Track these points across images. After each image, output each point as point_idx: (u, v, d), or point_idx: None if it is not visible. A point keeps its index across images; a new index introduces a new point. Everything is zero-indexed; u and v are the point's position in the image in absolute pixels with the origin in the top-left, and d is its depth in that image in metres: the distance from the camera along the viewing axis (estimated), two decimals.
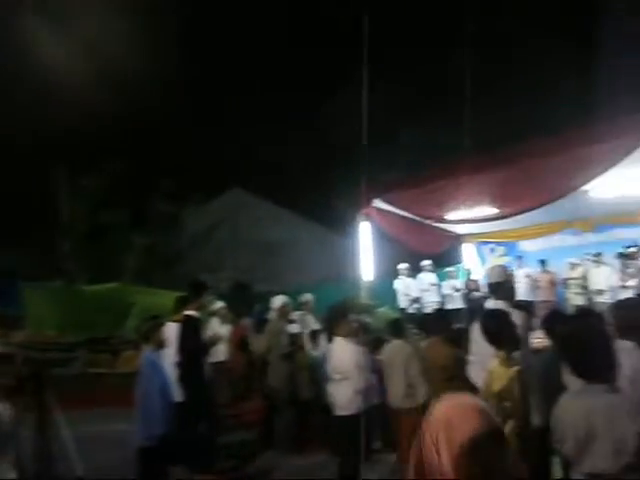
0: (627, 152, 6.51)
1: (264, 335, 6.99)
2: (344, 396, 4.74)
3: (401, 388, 5.69)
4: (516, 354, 3.45)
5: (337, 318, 4.95)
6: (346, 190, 12.16)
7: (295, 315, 7.90)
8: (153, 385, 4.68)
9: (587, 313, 4.37)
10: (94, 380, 10.11)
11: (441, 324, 5.15)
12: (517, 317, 3.77)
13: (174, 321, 5.88)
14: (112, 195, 17.19)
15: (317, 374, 6.20)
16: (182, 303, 5.95)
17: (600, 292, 10.14)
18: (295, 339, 6.74)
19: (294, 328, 6.93)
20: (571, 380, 2.75)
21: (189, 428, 5.18)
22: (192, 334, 5.60)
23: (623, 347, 2.90)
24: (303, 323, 7.69)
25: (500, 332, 3.29)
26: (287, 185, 17.39)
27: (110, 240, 17.55)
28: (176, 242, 18.43)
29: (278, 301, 7.07)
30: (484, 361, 3.73)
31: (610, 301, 9.57)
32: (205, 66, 17.73)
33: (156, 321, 5.11)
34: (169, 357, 5.69)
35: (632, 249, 9.63)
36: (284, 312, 7.01)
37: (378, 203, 9.23)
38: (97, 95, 15.53)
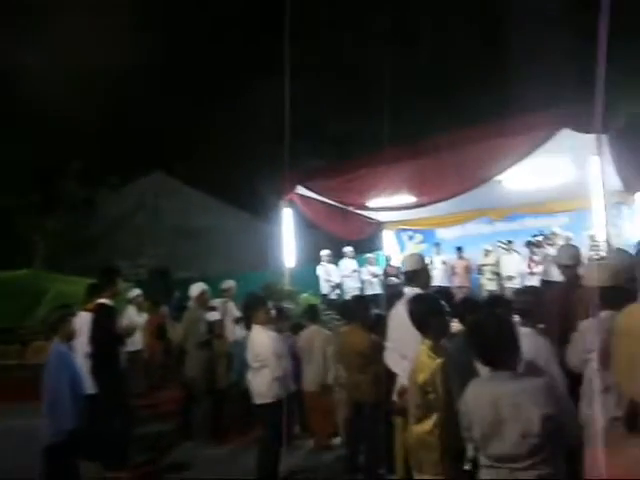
0: (538, 145, 6.84)
1: (181, 323, 6.82)
2: (263, 384, 4.70)
3: (317, 373, 5.79)
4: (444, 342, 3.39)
5: (254, 306, 4.88)
6: (270, 177, 12.09)
7: (216, 302, 7.78)
8: (62, 378, 4.43)
9: (495, 301, 4.52)
10: (2, 372, 9.52)
11: (359, 310, 5.19)
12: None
13: (86, 310, 5.62)
14: (17, 178, 16.12)
15: (237, 362, 6.13)
16: (94, 291, 5.66)
17: (510, 278, 10.69)
18: (213, 327, 6.61)
19: (212, 316, 6.80)
20: (480, 367, 2.86)
21: (101, 422, 4.97)
22: (105, 323, 5.35)
23: (524, 333, 3.05)
24: (225, 311, 7.56)
25: (428, 318, 3.18)
26: (210, 170, 17.02)
27: (18, 224, 16.51)
28: (91, 227, 17.61)
29: (196, 288, 6.89)
30: (403, 347, 3.77)
31: (519, 287, 10.16)
32: (127, 50, 16.92)
33: (64, 311, 4.84)
34: (81, 348, 5.45)
35: (539, 237, 10.18)
36: (202, 299, 6.86)
37: (301, 190, 9.25)
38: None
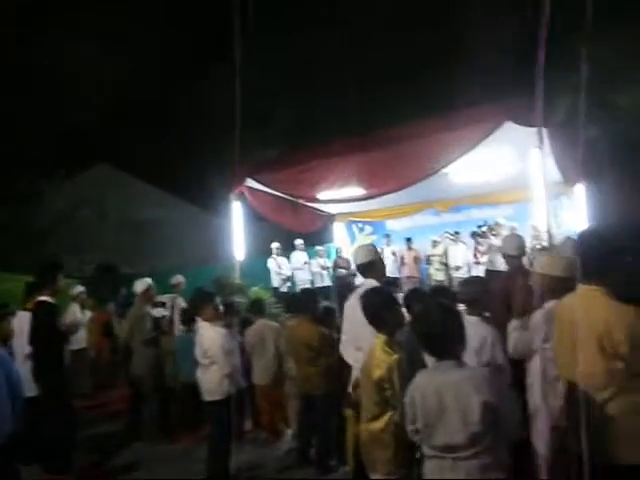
0: (482, 137, 6.97)
1: (126, 320, 6.65)
2: (212, 381, 4.65)
3: (267, 367, 5.77)
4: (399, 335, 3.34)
5: (202, 302, 4.80)
6: (219, 170, 11.92)
7: (165, 298, 7.63)
8: None
9: (440, 291, 4.59)
10: None
11: (307, 303, 5.18)
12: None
13: (25, 309, 5.41)
14: None
15: (186, 359, 6.02)
16: (34, 288, 5.45)
17: (458, 268, 10.96)
18: (160, 324, 6.47)
19: (158, 312, 6.65)
20: (427, 357, 2.89)
21: (43, 424, 4.81)
22: (46, 322, 5.15)
23: (469, 321, 3.11)
24: (174, 306, 7.44)
25: (381, 312, 3.11)
26: (159, 163, 16.63)
27: None
28: (38, 220, 16.91)
29: (141, 284, 6.72)
30: (357, 339, 3.76)
31: (464, 277, 10.43)
32: (72, 36, 16.27)
33: (1, 311, 4.64)
34: (22, 348, 5.25)
35: (484, 228, 10.45)
36: (148, 295, 6.69)
37: (250, 183, 9.15)
38: None
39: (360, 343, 3.67)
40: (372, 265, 4.05)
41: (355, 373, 3.79)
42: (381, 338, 3.04)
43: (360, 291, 3.91)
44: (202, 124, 15.03)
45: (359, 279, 4.40)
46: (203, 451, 4.88)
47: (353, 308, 3.76)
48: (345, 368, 4.15)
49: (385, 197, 9.16)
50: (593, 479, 2.18)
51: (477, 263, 10.45)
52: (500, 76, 10.15)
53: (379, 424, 2.92)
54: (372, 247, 4.23)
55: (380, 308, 3.13)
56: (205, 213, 16.53)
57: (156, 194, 17.68)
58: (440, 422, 2.34)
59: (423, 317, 2.58)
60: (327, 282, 11.81)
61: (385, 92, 13.27)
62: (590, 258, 2.55)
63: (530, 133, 6.40)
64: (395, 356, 2.92)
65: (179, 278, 8.01)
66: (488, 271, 9.29)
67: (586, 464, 2.17)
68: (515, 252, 4.31)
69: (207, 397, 4.73)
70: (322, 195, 9.19)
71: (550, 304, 3.18)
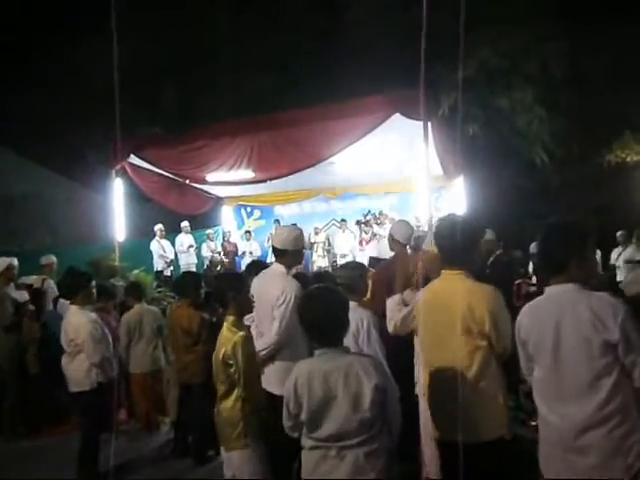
0: (371, 127, 7.13)
1: None
2: (79, 370, 4.32)
3: (142, 354, 5.50)
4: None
5: (73, 284, 4.43)
6: (101, 144, 11.17)
7: (32, 279, 7.02)
8: None
9: (320, 277, 4.56)
10: None
11: (189, 286, 4.97)
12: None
13: None
14: None
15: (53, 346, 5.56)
16: None
17: (344, 256, 11.17)
18: (21, 308, 5.88)
19: (21, 295, 6.06)
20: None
21: None
22: None
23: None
24: (43, 289, 6.84)
25: (228, 295, 3.09)
26: (34, 136, 15.25)
27: None
28: None
29: (0, 264, 6.08)
30: (260, 325, 3.63)
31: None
32: None
33: None
34: None
35: (368, 217, 10.74)
36: (8, 275, 6.11)
37: (134, 160, 8.67)
38: None
39: (262, 328, 3.59)
40: (287, 253, 3.67)
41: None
42: (229, 319, 3.06)
43: (266, 274, 3.80)
44: (82, 94, 13.97)
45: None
46: (69, 445, 4.55)
47: (256, 291, 3.60)
48: None
49: (275, 182, 9.12)
50: (461, 459, 2.25)
51: (362, 251, 10.74)
52: (391, 67, 10.40)
53: (228, 402, 2.94)
54: (294, 234, 3.72)
55: (226, 291, 3.13)
56: (83, 189, 15.44)
57: (28, 166, 16.21)
58: (328, 411, 2.27)
59: (308, 302, 2.46)
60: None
61: (278, 76, 13.14)
62: (451, 245, 2.65)
63: (417, 126, 6.65)
64: (240, 334, 2.94)
65: (50, 258, 7.37)
66: (372, 258, 9.55)
67: (457, 446, 2.24)
68: (402, 239, 4.33)
69: (73, 388, 4.40)
70: (210, 177, 8.93)
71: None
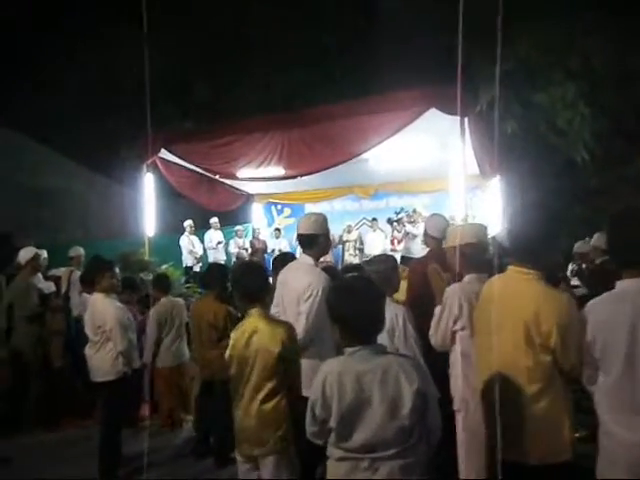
0: (406, 123, 6.92)
1: (7, 292, 5.89)
2: (105, 359, 4.21)
3: (168, 347, 5.39)
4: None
5: (97, 270, 4.33)
6: (132, 139, 11.19)
7: (60, 271, 7.02)
8: None
9: (350, 269, 4.35)
10: None
11: (216, 279, 4.81)
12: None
13: None
14: None
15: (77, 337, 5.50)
16: None
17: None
18: (47, 299, 5.82)
19: (48, 287, 5.99)
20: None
21: None
22: None
23: None
24: (70, 281, 6.83)
25: (260, 287, 2.93)
26: (64, 127, 15.40)
27: None
28: None
29: (26, 253, 5.96)
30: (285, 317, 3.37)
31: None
32: None
33: None
34: None
35: (401, 215, 10.48)
36: (34, 266, 6.01)
37: (165, 155, 8.63)
38: None
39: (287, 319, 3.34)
40: (314, 239, 3.47)
41: None
42: (256, 311, 2.86)
43: (292, 266, 3.61)
44: (113, 89, 14.04)
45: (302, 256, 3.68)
46: (92, 438, 4.46)
47: (283, 284, 3.47)
48: None
49: (306, 180, 8.99)
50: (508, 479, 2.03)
51: (394, 250, 10.50)
52: (426, 62, 10.15)
53: (271, 403, 2.73)
54: (320, 218, 3.55)
55: (262, 284, 2.98)
56: (114, 184, 15.56)
57: (59, 160, 16.40)
58: (360, 417, 1.99)
59: (342, 295, 2.14)
60: None
61: (309, 71, 12.97)
62: (525, 239, 2.34)
63: (452, 123, 6.42)
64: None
65: (78, 250, 7.36)
66: (404, 257, 9.32)
67: (500, 462, 1.99)
68: (437, 234, 4.08)
69: (98, 378, 4.30)
70: (240, 173, 8.84)
71: (468, 278, 3.01)
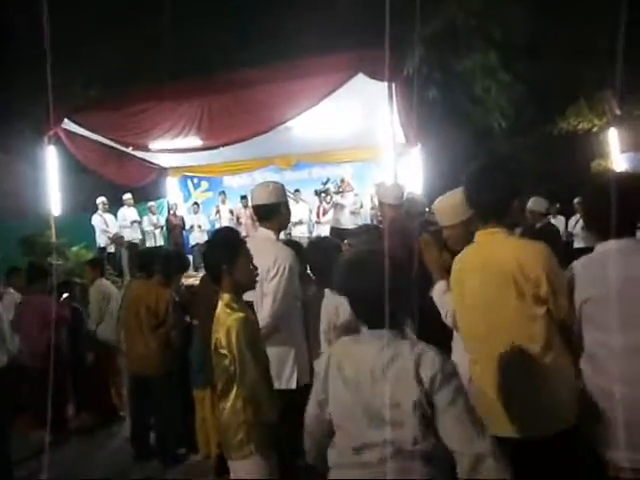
0: (333, 89, 6.66)
1: None
2: None
3: (111, 330, 4.95)
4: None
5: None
6: (31, 109, 10.11)
7: None
8: None
9: (322, 244, 4.00)
10: None
11: (157, 262, 4.29)
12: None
13: None
14: None
15: None
16: None
17: (296, 224, 10.60)
18: None
19: None
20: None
21: None
22: None
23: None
24: None
25: (220, 266, 2.42)
26: None
27: None
28: None
29: None
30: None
31: (307, 235, 10.21)
32: None
33: None
34: None
35: (329, 185, 10.28)
36: None
37: (69, 125, 7.85)
38: None
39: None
40: (274, 209, 3.09)
41: None
42: (224, 298, 2.41)
43: (251, 242, 2.85)
44: (5, 54, 12.65)
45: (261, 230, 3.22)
46: None
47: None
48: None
49: (223, 151, 8.53)
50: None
51: (318, 222, 10.32)
52: (352, 27, 9.89)
53: (227, 402, 2.33)
54: (279, 185, 3.21)
55: (219, 263, 2.43)
56: (12, 159, 14.18)
57: None
58: (367, 408, 1.69)
59: (357, 270, 1.81)
60: (160, 242, 10.86)
61: (228, 32, 12.31)
62: (487, 196, 2.20)
63: (376, 89, 6.26)
64: (235, 315, 2.31)
65: None
66: (333, 229, 9.18)
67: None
68: (394, 201, 3.88)
69: None
70: (154, 144, 8.23)
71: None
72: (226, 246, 2.49)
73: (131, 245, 10.16)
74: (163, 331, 4.02)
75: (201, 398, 3.99)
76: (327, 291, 2.86)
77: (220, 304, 2.42)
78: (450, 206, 2.66)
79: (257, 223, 3.22)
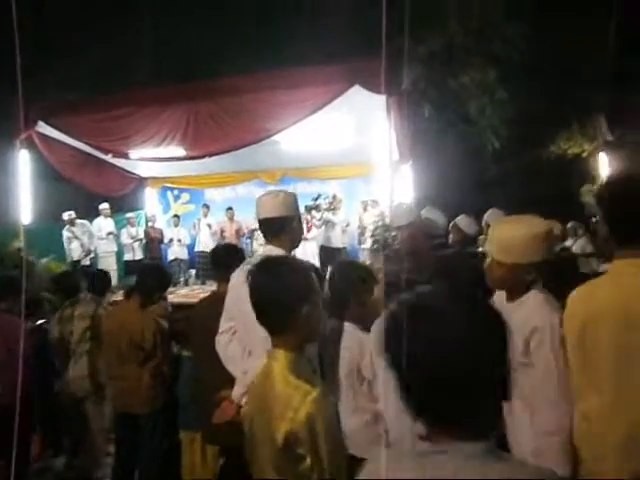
0: (326, 101, 6.38)
1: None
2: None
3: (79, 371, 4.21)
4: None
5: None
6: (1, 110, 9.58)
7: None
8: None
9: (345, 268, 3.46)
10: None
11: (146, 280, 3.61)
12: None
13: None
14: None
15: None
16: None
17: None
18: None
19: None
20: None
21: None
22: None
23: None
24: None
25: (287, 301, 1.51)
26: None
27: None
28: None
29: None
30: (246, 337, 2.35)
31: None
32: None
33: None
34: None
35: (319, 201, 9.89)
36: None
37: (44, 129, 7.40)
38: None
39: (252, 345, 2.28)
40: (284, 224, 2.50)
41: (238, 389, 2.37)
42: (281, 356, 1.55)
43: (253, 262, 2.21)
44: None
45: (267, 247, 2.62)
46: None
47: (238, 289, 2.27)
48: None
49: (206, 163, 8.17)
50: None
51: (305, 239, 9.90)
52: (351, 38, 9.64)
53: None
54: (290, 196, 2.61)
55: (286, 295, 1.55)
56: None
57: None
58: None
59: (436, 337, 0.96)
60: (139, 255, 10.34)
61: (218, 38, 11.97)
62: (629, 213, 1.68)
63: (371, 103, 6.03)
64: (310, 392, 1.45)
65: None
66: (323, 247, 8.78)
67: None
68: (406, 221, 3.55)
69: None
70: (134, 152, 7.80)
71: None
72: (306, 275, 1.69)
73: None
74: (152, 365, 3.46)
75: (190, 440, 3.40)
76: (347, 325, 2.35)
77: (276, 368, 1.54)
78: (523, 245, 2.02)
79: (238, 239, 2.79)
